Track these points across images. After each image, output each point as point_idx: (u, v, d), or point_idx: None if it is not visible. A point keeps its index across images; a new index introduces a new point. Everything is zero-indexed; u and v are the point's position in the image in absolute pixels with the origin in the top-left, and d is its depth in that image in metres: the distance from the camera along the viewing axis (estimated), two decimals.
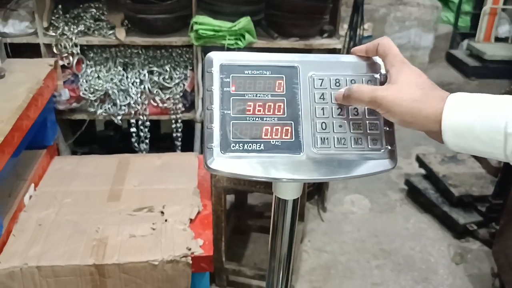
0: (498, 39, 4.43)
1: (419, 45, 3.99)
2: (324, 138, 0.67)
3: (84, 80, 2.35)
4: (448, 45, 4.50)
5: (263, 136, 0.67)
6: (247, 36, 2.24)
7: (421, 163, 3.00)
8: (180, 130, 2.49)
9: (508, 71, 3.97)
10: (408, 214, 2.81)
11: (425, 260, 2.45)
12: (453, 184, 2.72)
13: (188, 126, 2.55)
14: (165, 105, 2.41)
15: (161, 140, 2.71)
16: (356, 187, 3.00)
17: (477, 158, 3.01)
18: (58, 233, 1.67)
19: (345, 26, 2.82)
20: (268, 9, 2.40)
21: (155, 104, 2.41)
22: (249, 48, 2.31)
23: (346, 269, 2.36)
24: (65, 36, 2.29)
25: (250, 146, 0.66)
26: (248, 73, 0.68)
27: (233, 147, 0.66)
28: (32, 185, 1.88)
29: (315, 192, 2.79)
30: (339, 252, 2.47)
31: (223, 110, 0.66)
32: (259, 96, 0.68)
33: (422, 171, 2.99)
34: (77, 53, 2.32)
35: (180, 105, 2.42)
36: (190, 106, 2.49)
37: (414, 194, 2.92)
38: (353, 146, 0.68)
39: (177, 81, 2.40)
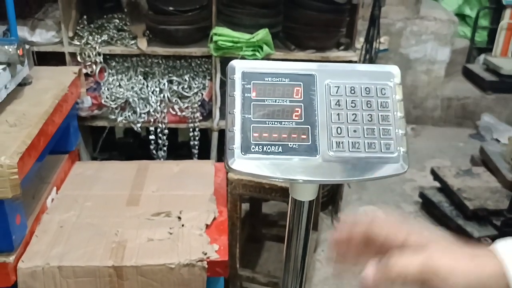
0: None
1: (436, 59, 4.00)
2: (339, 142, 0.71)
3: (106, 88, 2.43)
4: (465, 60, 4.50)
5: (282, 139, 0.71)
6: (265, 47, 2.30)
7: (435, 176, 3.00)
8: (197, 138, 2.54)
9: None
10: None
11: None
12: (468, 197, 2.72)
13: (205, 134, 2.61)
14: (184, 113, 2.47)
15: (178, 148, 2.77)
16: (370, 199, 3.02)
17: (492, 172, 3.01)
18: (78, 235, 1.72)
19: (362, 39, 2.86)
20: (286, 21, 2.46)
21: (174, 113, 2.47)
22: (267, 59, 2.36)
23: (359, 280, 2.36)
24: (89, 45, 2.37)
25: (269, 148, 0.70)
26: (268, 80, 0.72)
27: (253, 149, 0.70)
28: (55, 188, 1.95)
29: (329, 202, 2.81)
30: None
31: (244, 114, 0.71)
32: (278, 102, 0.72)
33: (437, 184, 2.99)
34: (100, 62, 2.39)
35: (198, 114, 2.48)
36: (207, 115, 2.54)
37: (428, 207, 2.92)
38: (366, 150, 0.71)
39: (195, 90, 2.46)
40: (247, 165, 0.69)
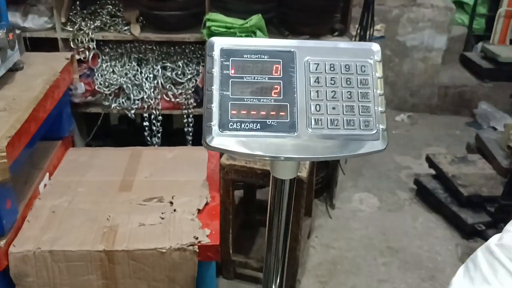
0: None
1: (433, 47, 3.98)
2: (318, 119, 0.71)
3: (100, 75, 2.42)
4: (462, 47, 4.47)
5: (260, 117, 0.70)
6: (258, 33, 2.28)
7: (431, 163, 3.00)
8: (191, 125, 2.53)
9: None
10: (417, 213, 2.81)
11: (432, 259, 2.46)
12: (462, 184, 2.73)
13: (199, 121, 2.60)
14: (177, 100, 2.46)
15: (172, 134, 2.76)
16: (365, 186, 3.02)
17: (487, 159, 3.01)
18: (70, 220, 1.73)
19: (357, 25, 2.84)
20: (279, 7, 2.44)
21: (168, 99, 2.47)
22: None
23: (353, 265, 2.38)
24: (82, 31, 2.35)
25: (247, 125, 0.70)
26: (247, 57, 0.72)
27: (231, 126, 0.70)
28: (47, 174, 1.95)
29: (324, 189, 2.82)
30: (346, 248, 2.49)
31: (222, 91, 0.70)
32: (257, 79, 0.71)
33: (432, 171, 2.99)
34: (93, 48, 2.38)
35: (192, 100, 2.47)
36: (201, 102, 2.53)
37: (423, 194, 2.93)
38: (345, 127, 0.71)
39: (189, 76, 2.45)
40: (225, 142, 0.69)
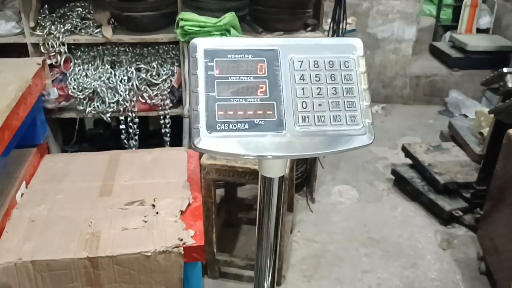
0: (479, 30, 4.50)
1: (403, 38, 4.05)
2: (304, 116, 0.71)
3: (72, 79, 2.37)
4: (431, 38, 4.56)
5: (247, 116, 0.70)
6: (232, 31, 2.28)
7: (407, 153, 3.05)
8: (168, 125, 2.52)
9: (489, 61, 4.04)
10: (396, 203, 2.86)
11: (413, 247, 2.51)
12: (439, 172, 2.78)
13: (176, 121, 2.58)
14: (153, 101, 2.44)
15: (150, 136, 2.74)
16: (344, 178, 3.05)
17: (461, 146, 3.08)
18: (51, 228, 1.69)
19: (329, 20, 2.86)
20: (252, 4, 2.44)
21: (143, 101, 2.44)
22: None
23: (336, 258, 2.40)
24: (52, 35, 2.31)
25: (235, 125, 0.70)
26: (231, 57, 0.72)
27: (218, 127, 0.69)
28: (24, 183, 1.90)
29: (303, 183, 2.83)
30: (328, 241, 2.51)
31: (208, 93, 0.70)
32: (242, 79, 0.71)
33: (408, 160, 3.04)
34: (65, 52, 2.34)
35: (168, 101, 2.45)
36: (177, 102, 2.52)
37: (400, 183, 2.98)
38: (332, 123, 0.72)
39: (164, 77, 2.43)
40: (214, 143, 0.69)
